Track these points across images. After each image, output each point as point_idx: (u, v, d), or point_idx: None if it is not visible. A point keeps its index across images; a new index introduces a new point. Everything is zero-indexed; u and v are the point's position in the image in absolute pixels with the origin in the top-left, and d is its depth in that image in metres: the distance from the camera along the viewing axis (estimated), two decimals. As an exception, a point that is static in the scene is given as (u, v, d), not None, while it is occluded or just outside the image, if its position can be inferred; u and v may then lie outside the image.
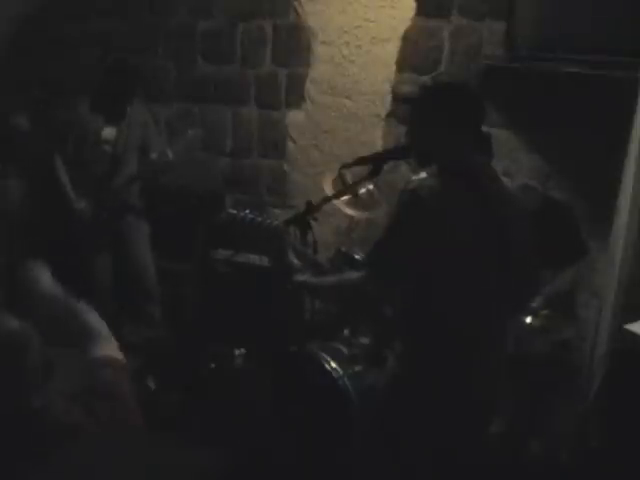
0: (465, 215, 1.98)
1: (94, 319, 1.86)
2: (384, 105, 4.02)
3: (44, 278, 1.89)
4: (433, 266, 1.98)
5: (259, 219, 2.48)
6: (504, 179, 2.29)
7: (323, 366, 2.98)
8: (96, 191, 3.99)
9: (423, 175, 1.99)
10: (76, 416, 1.46)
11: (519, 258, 2.09)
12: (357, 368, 3.02)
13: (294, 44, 4.23)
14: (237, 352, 3.84)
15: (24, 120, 4.40)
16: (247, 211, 2.51)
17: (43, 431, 1.42)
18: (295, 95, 4.30)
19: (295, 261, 2.33)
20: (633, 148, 2.85)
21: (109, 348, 1.80)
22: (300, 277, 2.29)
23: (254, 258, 3.96)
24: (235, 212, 2.52)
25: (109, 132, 3.99)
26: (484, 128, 2.20)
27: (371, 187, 3.40)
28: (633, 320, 2.79)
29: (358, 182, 2.81)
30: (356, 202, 3.36)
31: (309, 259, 2.41)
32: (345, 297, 2.34)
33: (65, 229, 4.11)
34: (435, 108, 2.07)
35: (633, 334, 2.73)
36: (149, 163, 4.03)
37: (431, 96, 2.12)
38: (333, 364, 2.98)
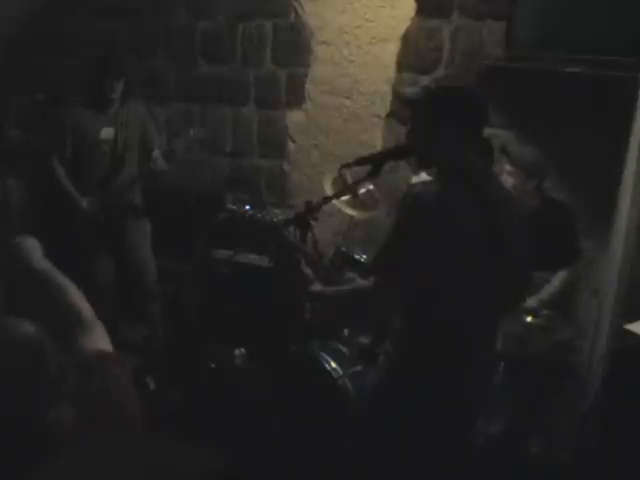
0: (465, 216, 1.99)
1: (85, 307, 1.75)
2: (384, 105, 4.02)
3: (36, 254, 1.83)
4: (434, 266, 1.99)
5: (259, 215, 2.48)
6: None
7: (323, 366, 2.98)
8: (97, 191, 3.99)
9: (423, 177, 2.00)
10: (75, 417, 1.45)
11: (516, 258, 2.10)
12: (357, 368, 3.02)
13: (294, 44, 4.23)
14: (237, 352, 3.84)
15: (16, 132, 4.42)
16: (247, 207, 2.51)
17: (47, 434, 1.41)
18: (295, 95, 4.30)
19: (309, 271, 2.33)
20: (633, 148, 2.85)
21: (101, 341, 1.70)
22: (315, 288, 2.29)
23: (254, 258, 3.96)
24: (235, 208, 2.52)
25: (107, 132, 3.99)
26: (486, 131, 2.20)
27: (371, 187, 3.39)
28: (633, 320, 2.79)
29: (358, 182, 2.81)
30: (356, 202, 3.36)
31: (319, 265, 2.40)
32: (357, 304, 2.33)
33: (66, 229, 4.11)
34: (437, 111, 2.07)
35: (633, 334, 2.73)
36: (151, 162, 4.02)
37: (434, 99, 2.12)
38: (333, 364, 2.98)
